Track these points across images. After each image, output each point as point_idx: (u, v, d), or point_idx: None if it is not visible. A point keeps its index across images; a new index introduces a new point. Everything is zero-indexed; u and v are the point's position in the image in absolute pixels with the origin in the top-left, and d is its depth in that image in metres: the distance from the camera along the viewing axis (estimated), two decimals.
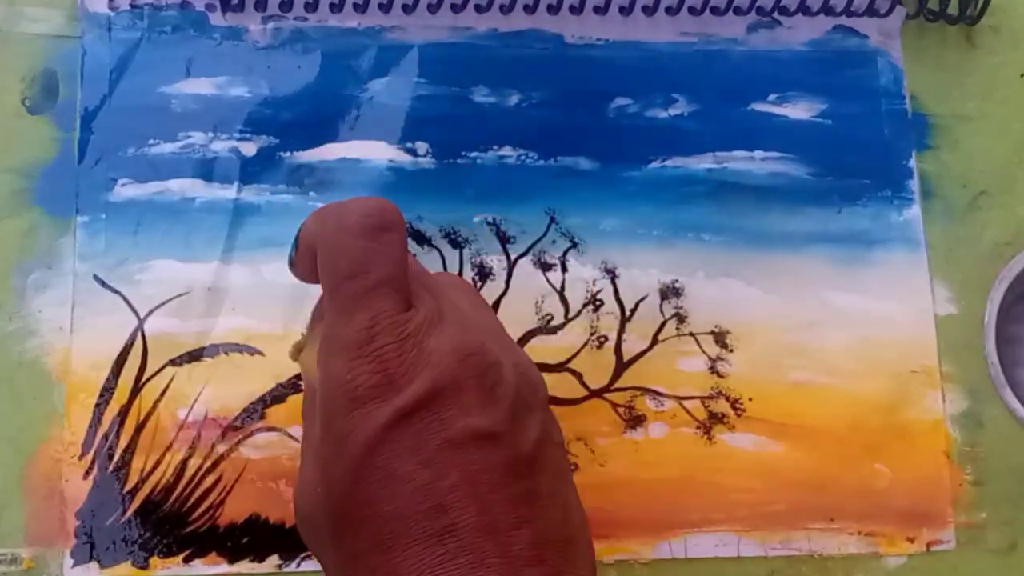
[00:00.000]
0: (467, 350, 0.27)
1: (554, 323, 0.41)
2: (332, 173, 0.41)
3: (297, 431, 0.39)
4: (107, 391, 0.39)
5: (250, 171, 0.41)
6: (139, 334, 0.39)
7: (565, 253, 0.42)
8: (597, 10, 0.44)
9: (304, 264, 0.30)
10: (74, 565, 0.37)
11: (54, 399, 0.38)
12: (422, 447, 0.26)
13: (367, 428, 0.26)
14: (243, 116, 0.41)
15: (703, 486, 0.40)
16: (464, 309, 0.29)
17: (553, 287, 0.42)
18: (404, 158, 0.42)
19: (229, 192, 0.41)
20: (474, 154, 0.42)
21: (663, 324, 0.41)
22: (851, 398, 0.41)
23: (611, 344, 0.41)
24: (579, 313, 0.41)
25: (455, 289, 0.31)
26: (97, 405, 0.39)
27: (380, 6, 0.42)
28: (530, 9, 0.43)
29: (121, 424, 0.39)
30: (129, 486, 0.38)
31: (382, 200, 0.28)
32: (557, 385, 0.41)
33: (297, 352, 0.31)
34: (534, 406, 0.28)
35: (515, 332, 0.41)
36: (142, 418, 0.39)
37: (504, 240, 0.42)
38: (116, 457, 0.38)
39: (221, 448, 0.39)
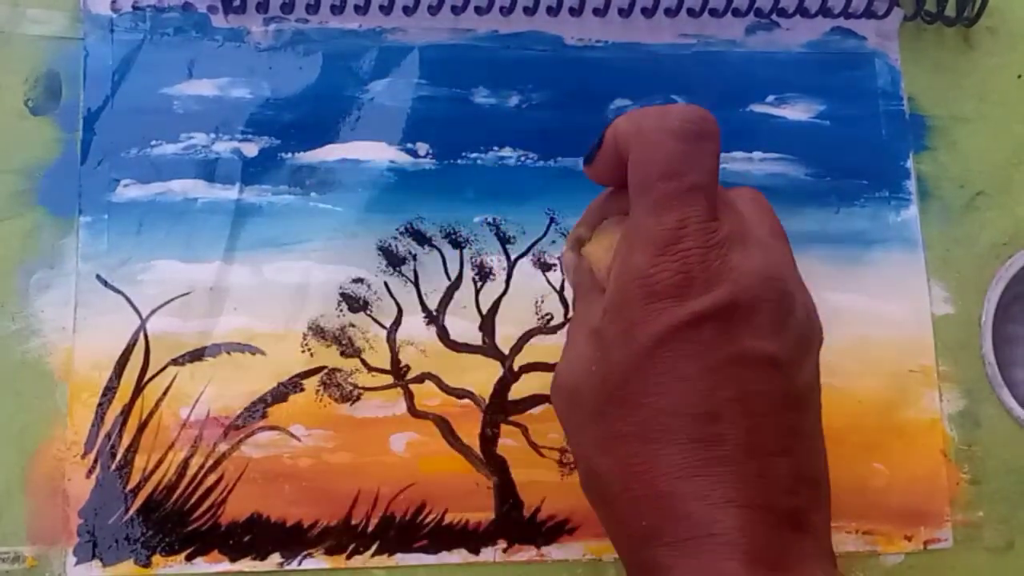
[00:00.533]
0: (769, 273, 0.28)
1: (554, 323, 0.41)
2: (333, 174, 0.41)
3: (298, 430, 0.39)
4: (109, 390, 0.39)
5: (252, 172, 0.41)
6: (141, 334, 0.39)
7: None
8: (596, 12, 0.44)
9: (604, 161, 0.30)
10: (77, 563, 0.37)
11: (56, 398, 0.39)
12: (708, 354, 0.26)
13: (660, 322, 0.27)
14: (245, 117, 0.42)
15: None
16: (765, 234, 0.30)
17: (553, 287, 0.42)
18: (405, 159, 0.42)
19: (231, 193, 0.41)
20: (474, 155, 0.42)
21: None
22: (849, 397, 0.41)
23: None
24: None
25: (756, 208, 0.31)
26: (99, 404, 0.39)
27: (381, 8, 0.43)
28: (530, 11, 0.43)
29: (123, 423, 0.39)
30: (131, 485, 0.38)
31: (703, 109, 0.29)
32: None
33: (578, 245, 0.33)
34: (813, 349, 0.29)
35: (515, 332, 0.41)
36: (144, 417, 0.39)
37: (504, 240, 0.42)
38: (118, 456, 0.38)
39: (223, 447, 0.39)
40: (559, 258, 0.42)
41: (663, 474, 0.26)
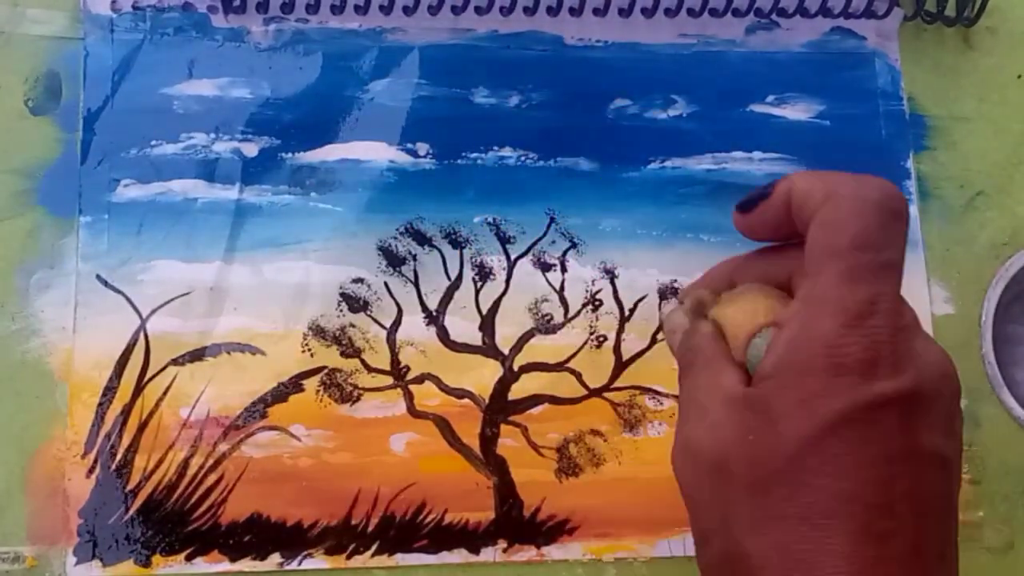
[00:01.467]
0: (946, 369, 0.27)
1: (554, 323, 0.41)
2: (333, 174, 0.41)
3: (298, 430, 0.39)
4: (109, 390, 0.39)
5: (252, 172, 0.41)
6: (141, 334, 0.39)
7: (565, 253, 0.42)
8: (596, 12, 0.44)
9: (768, 214, 0.29)
10: (77, 563, 0.37)
11: (57, 398, 0.39)
12: (888, 442, 0.25)
13: (845, 398, 0.25)
14: (245, 117, 0.42)
15: None
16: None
17: (553, 287, 0.42)
18: (405, 159, 0.42)
19: (231, 193, 0.41)
20: (474, 155, 0.42)
21: (662, 324, 0.42)
22: None
23: (610, 344, 0.41)
24: (578, 313, 0.42)
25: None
26: (99, 404, 0.39)
27: (381, 8, 0.43)
28: (530, 11, 0.43)
29: (123, 423, 0.39)
30: (131, 485, 0.38)
31: (897, 188, 0.28)
32: (557, 385, 0.41)
33: (701, 308, 0.31)
34: (962, 450, 0.28)
35: (515, 332, 0.41)
36: (144, 417, 0.39)
37: (504, 240, 0.42)
38: (118, 456, 0.38)
39: (223, 447, 0.39)
40: (559, 258, 0.42)
41: (828, 564, 0.25)
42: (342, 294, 0.41)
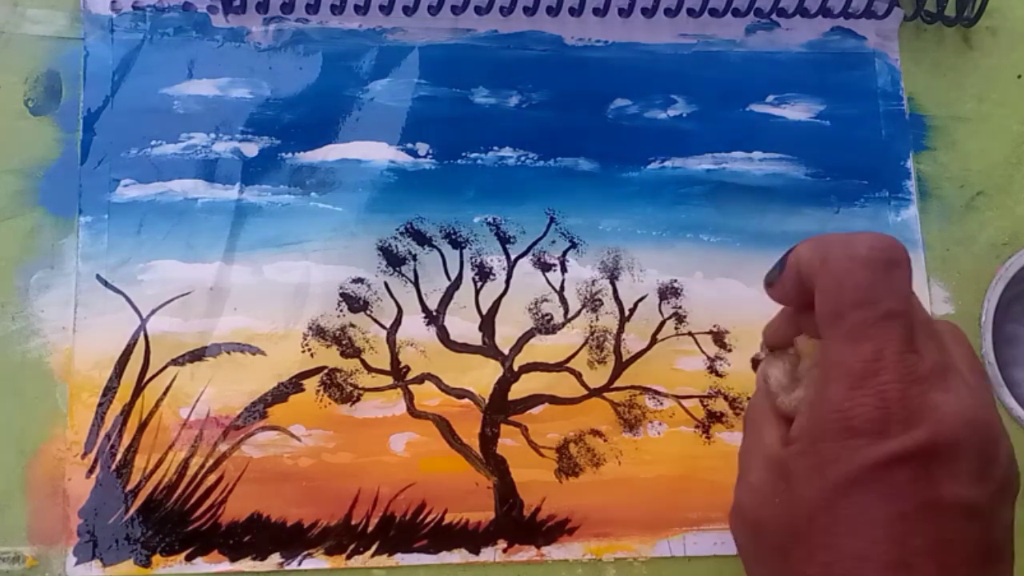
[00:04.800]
0: (975, 417, 0.26)
1: (554, 323, 0.41)
2: (333, 174, 0.41)
3: (298, 430, 0.39)
4: (109, 390, 0.39)
5: (252, 172, 0.41)
6: (141, 334, 0.40)
7: (565, 253, 0.42)
8: (596, 12, 0.44)
9: (787, 286, 0.29)
10: (77, 563, 0.37)
11: (57, 399, 0.39)
12: (902, 499, 0.25)
13: (855, 461, 0.26)
14: (245, 117, 0.42)
15: (702, 485, 0.40)
16: (965, 369, 0.28)
17: (553, 287, 0.42)
18: (405, 159, 0.42)
19: (231, 193, 0.41)
20: (474, 155, 0.42)
21: (662, 324, 0.42)
22: None
23: (610, 344, 0.41)
24: (579, 313, 0.42)
25: (955, 343, 0.29)
26: (100, 404, 0.39)
27: (381, 8, 0.43)
28: (530, 11, 0.43)
29: (123, 423, 0.39)
30: (131, 485, 0.38)
31: (890, 237, 0.28)
32: (557, 385, 0.41)
33: (754, 364, 0.32)
34: (1012, 495, 0.27)
35: (515, 332, 0.41)
36: (144, 417, 0.39)
37: (504, 240, 0.42)
38: (118, 456, 0.38)
39: (223, 447, 0.39)
40: (559, 258, 0.42)
41: None
42: (342, 294, 0.41)
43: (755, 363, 0.32)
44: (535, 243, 0.42)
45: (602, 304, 0.42)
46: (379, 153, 0.42)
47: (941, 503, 0.25)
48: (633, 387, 0.41)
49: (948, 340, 0.29)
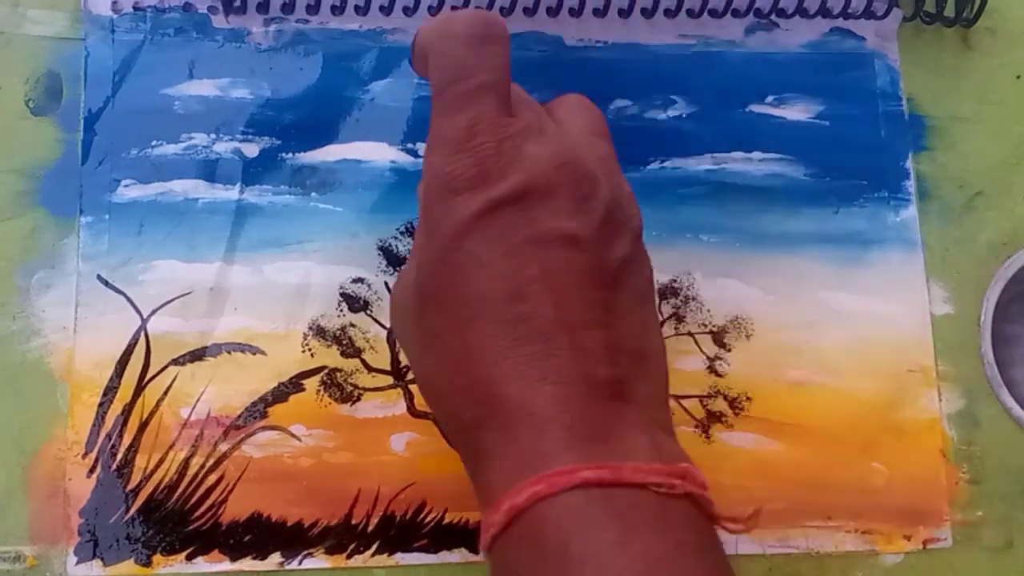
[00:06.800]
0: (563, 159, 0.28)
1: None
2: (334, 174, 0.42)
3: (298, 430, 0.39)
4: (110, 390, 0.39)
5: (252, 172, 0.41)
6: (142, 334, 0.40)
7: None
8: (596, 12, 0.44)
9: (418, 67, 0.32)
10: (77, 563, 0.38)
11: (57, 398, 0.39)
12: (508, 238, 0.27)
13: (458, 214, 0.27)
14: (245, 117, 0.42)
15: None
16: (573, 132, 0.31)
17: None
18: (406, 159, 0.42)
19: (232, 193, 0.41)
20: None
21: (661, 324, 0.42)
22: (848, 397, 0.41)
23: None
24: None
25: (581, 113, 0.32)
26: (100, 404, 0.39)
27: (381, 8, 0.43)
28: (530, 11, 0.44)
29: (124, 423, 0.39)
30: (132, 485, 0.38)
31: (488, 13, 0.30)
32: None
33: None
34: (624, 231, 0.29)
35: None
36: (145, 417, 0.39)
37: None
38: (119, 456, 0.39)
39: (223, 447, 0.39)
40: None
41: (479, 361, 0.27)
42: (342, 294, 0.41)
43: None
44: None
45: None
46: (380, 153, 0.42)
47: (544, 237, 0.27)
48: None
49: (571, 109, 0.32)
